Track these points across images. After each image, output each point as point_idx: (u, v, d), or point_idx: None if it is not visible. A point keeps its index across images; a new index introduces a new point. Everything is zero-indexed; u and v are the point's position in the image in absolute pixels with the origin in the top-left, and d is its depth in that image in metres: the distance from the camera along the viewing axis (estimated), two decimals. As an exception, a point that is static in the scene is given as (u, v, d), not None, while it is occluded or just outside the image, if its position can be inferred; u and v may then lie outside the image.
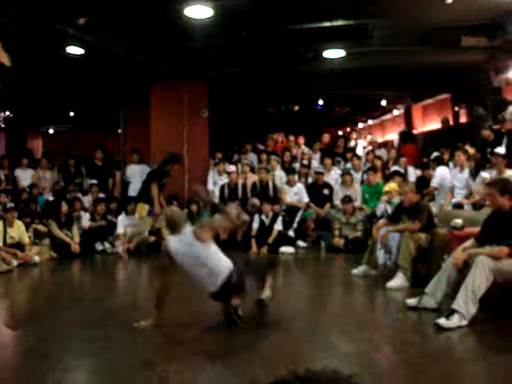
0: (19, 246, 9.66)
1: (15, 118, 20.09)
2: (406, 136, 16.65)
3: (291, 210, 11.28)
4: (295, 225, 11.22)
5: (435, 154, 11.58)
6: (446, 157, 11.38)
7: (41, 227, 10.50)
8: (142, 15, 9.33)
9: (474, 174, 9.45)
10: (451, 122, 14.74)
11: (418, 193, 8.06)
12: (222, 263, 5.32)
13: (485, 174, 9.32)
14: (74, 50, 10.32)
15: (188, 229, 5.45)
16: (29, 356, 4.76)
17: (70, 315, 6.14)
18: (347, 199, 10.68)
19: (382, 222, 8.52)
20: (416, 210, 7.61)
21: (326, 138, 14.63)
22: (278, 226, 10.62)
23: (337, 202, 11.31)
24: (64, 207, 10.60)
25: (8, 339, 5.54)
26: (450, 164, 10.89)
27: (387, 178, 11.67)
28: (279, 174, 12.25)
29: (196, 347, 4.88)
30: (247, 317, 5.72)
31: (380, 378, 4.21)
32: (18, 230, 9.73)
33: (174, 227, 5.51)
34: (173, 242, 5.41)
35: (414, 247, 7.26)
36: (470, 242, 5.79)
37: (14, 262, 9.25)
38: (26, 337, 5.39)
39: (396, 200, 9.44)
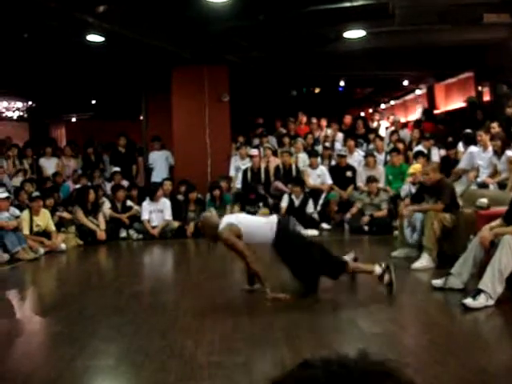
0: (46, 234, 9.77)
1: (38, 107, 20.24)
2: (428, 114, 16.51)
3: (314, 193, 11.27)
4: (319, 207, 11.23)
5: (467, 130, 11.40)
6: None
7: (66, 214, 10.62)
8: (160, 1, 9.32)
9: (500, 152, 9.31)
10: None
11: (443, 173, 7.95)
12: None
13: (510, 153, 9.20)
14: (94, 37, 10.35)
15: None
16: (58, 342, 4.83)
17: (98, 301, 6.21)
18: (372, 178, 10.64)
19: (407, 200, 8.51)
20: (438, 190, 7.55)
21: (348, 119, 14.56)
22: (310, 208, 10.62)
23: (360, 183, 11.26)
24: (91, 195, 10.68)
25: (37, 326, 5.62)
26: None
27: (407, 160, 11.58)
28: (302, 157, 12.23)
29: (222, 331, 4.91)
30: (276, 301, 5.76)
31: (406, 358, 4.20)
32: (44, 219, 9.83)
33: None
34: None
35: (438, 227, 7.20)
36: (497, 222, 5.74)
37: (41, 250, 9.36)
38: (55, 323, 5.46)
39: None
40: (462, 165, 10.19)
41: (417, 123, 14.33)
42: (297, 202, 10.63)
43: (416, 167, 9.91)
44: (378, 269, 5.90)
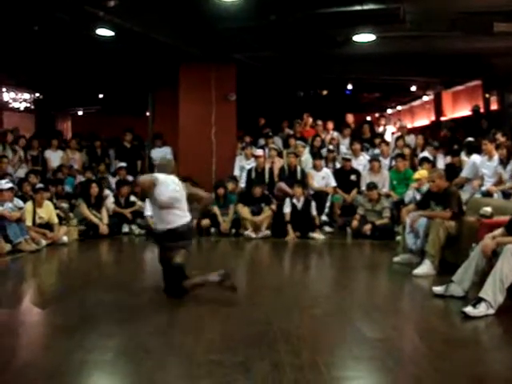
0: (48, 226, 9.78)
1: (45, 99, 20.28)
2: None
3: (318, 195, 11.26)
4: (326, 210, 11.25)
5: (469, 139, 11.37)
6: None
7: (63, 206, 10.63)
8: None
9: (506, 162, 9.29)
10: (482, 109, 14.54)
11: (448, 181, 7.94)
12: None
13: (516, 162, 9.18)
14: (103, 32, 10.35)
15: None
16: (57, 334, 4.83)
17: (98, 295, 6.21)
18: (371, 185, 10.60)
19: (411, 206, 8.48)
20: (445, 198, 7.54)
21: (350, 118, 14.54)
22: (313, 211, 10.59)
23: (364, 188, 11.23)
24: (94, 189, 10.71)
25: (37, 318, 5.62)
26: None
27: (413, 166, 11.55)
28: (305, 159, 12.23)
29: (221, 329, 4.91)
30: (271, 302, 5.77)
31: (404, 363, 4.20)
32: (47, 211, 9.85)
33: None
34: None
35: (443, 235, 7.20)
36: (499, 231, 5.73)
37: (43, 242, 9.37)
38: (55, 316, 5.48)
39: (425, 187, 9.35)
40: (464, 173, 10.15)
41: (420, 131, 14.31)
42: (299, 206, 10.59)
43: (422, 173, 9.90)
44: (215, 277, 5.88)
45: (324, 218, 11.21)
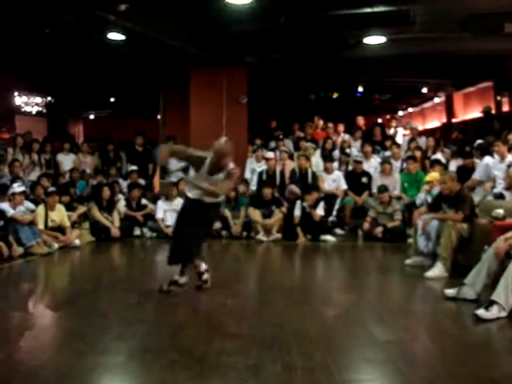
0: (60, 229, 9.82)
1: (56, 103, 20.38)
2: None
3: (329, 198, 11.23)
4: (335, 212, 11.20)
5: (479, 141, 11.30)
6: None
7: (77, 210, 10.63)
8: (182, 1, 9.35)
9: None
10: (493, 111, 14.46)
11: (460, 183, 7.91)
12: None
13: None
14: (114, 36, 10.39)
15: None
16: (69, 337, 4.85)
17: (110, 298, 6.24)
18: (382, 188, 10.56)
19: (423, 208, 8.45)
20: (457, 200, 7.50)
21: (361, 120, 14.54)
22: (320, 211, 10.55)
23: (375, 190, 11.20)
24: (106, 192, 10.75)
25: (49, 320, 5.65)
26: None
27: (424, 168, 11.50)
28: (316, 162, 12.21)
29: (233, 331, 4.91)
30: (283, 304, 5.76)
31: (416, 366, 4.18)
32: (59, 214, 9.87)
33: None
34: None
35: (455, 238, 7.17)
36: (512, 233, 5.70)
37: (55, 245, 9.41)
38: (66, 318, 5.50)
39: (436, 190, 9.30)
40: (477, 175, 10.06)
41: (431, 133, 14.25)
42: (308, 209, 10.56)
43: (433, 175, 9.85)
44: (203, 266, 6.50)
45: (332, 218, 11.16)
